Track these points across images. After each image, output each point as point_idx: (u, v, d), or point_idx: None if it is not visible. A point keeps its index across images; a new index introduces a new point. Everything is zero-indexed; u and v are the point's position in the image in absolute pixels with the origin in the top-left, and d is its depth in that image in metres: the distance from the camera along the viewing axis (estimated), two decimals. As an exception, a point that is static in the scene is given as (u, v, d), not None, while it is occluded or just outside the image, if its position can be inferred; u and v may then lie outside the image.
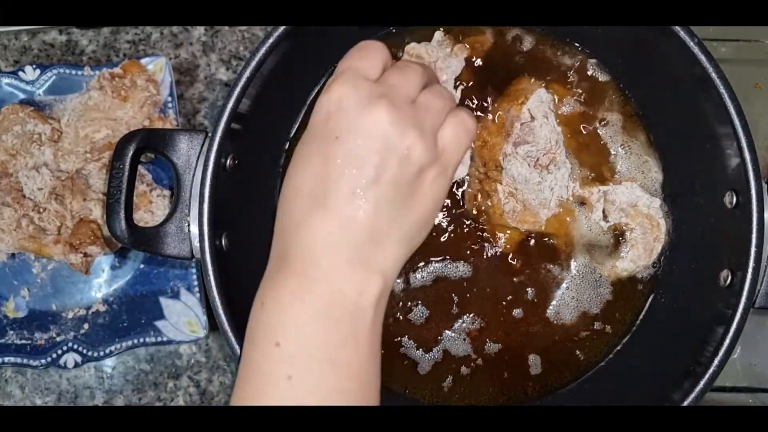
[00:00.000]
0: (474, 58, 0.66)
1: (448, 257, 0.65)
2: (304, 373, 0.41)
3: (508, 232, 0.65)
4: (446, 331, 0.65)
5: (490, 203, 0.65)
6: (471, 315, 0.65)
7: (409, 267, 0.65)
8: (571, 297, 0.65)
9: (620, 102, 0.66)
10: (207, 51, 0.76)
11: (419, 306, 0.65)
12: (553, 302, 0.65)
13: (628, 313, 0.65)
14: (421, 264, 0.65)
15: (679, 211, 0.65)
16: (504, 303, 0.65)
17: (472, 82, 0.65)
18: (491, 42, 0.66)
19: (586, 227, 0.65)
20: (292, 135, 0.67)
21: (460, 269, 0.65)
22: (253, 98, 0.57)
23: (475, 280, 0.65)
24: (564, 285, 0.65)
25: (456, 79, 0.65)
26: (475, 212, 0.65)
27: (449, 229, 0.65)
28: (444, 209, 0.65)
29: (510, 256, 0.65)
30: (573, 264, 0.65)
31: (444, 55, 0.65)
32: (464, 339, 0.65)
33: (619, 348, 0.66)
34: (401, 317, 0.65)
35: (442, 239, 0.65)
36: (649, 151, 0.65)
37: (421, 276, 0.65)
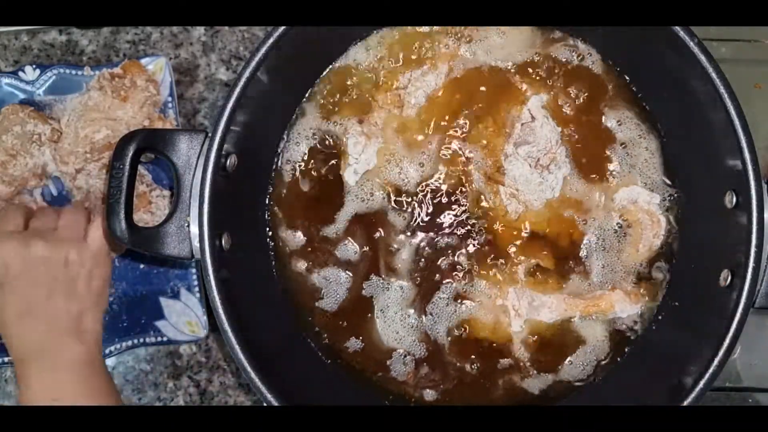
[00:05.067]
0: (454, 68, 0.65)
1: (452, 260, 0.65)
2: None
3: (512, 233, 0.65)
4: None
5: (492, 205, 0.65)
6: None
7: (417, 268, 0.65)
8: (576, 296, 0.65)
9: (620, 102, 0.66)
10: (207, 51, 0.76)
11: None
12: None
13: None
14: (427, 270, 0.65)
15: (679, 211, 0.65)
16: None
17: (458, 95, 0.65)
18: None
19: (587, 226, 0.65)
20: (288, 134, 0.67)
21: (465, 272, 0.65)
22: (252, 98, 0.57)
23: (481, 282, 0.65)
24: (568, 283, 0.65)
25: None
26: (478, 215, 0.65)
27: (454, 234, 0.65)
28: (448, 214, 0.65)
29: (514, 256, 0.65)
30: (575, 262, 0.65)
31: (418, 75, 0.65)
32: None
33: (618, 347, 0.66)
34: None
35: (445, 244, 0.65)
36: (649, 151, 0.65)
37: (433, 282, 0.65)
